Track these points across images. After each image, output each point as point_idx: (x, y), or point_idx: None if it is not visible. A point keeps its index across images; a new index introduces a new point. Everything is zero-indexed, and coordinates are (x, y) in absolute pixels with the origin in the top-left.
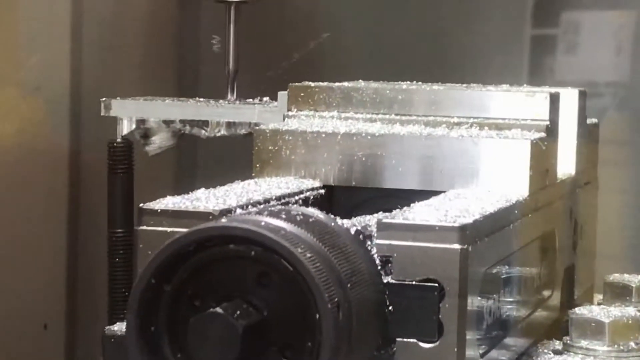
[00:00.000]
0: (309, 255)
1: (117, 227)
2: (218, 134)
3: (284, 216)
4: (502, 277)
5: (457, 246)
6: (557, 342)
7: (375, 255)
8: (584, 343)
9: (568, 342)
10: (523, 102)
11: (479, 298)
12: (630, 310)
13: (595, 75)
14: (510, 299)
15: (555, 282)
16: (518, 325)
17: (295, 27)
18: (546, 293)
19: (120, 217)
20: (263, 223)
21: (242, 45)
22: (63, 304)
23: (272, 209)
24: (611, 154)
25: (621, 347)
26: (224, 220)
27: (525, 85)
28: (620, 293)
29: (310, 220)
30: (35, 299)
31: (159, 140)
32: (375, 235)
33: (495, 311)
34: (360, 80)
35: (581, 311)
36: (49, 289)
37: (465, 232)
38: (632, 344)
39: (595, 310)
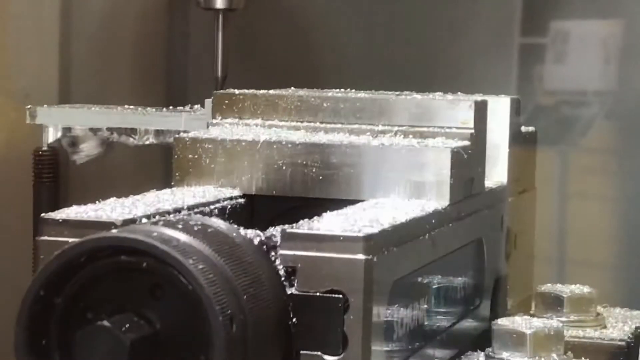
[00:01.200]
0: (201, 266)
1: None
2: (147, 142)
3: (180, 226)
4: (419, 287)
5: (361, 256)
6: (481, 354)
7: (280, 266)
8: (505, 355)
9: (490, 353)
10: (448, 110)
11: (389, 309)
12: (553, 322)
13: (583, 84)
14: (430, 309)
15: (484, 292)
16: (438, 335)
17: (284, 34)
18: (473, 303)
19: None
20: (155, 233)
21: (231, 52)
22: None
23: (169, 219)
24: (599, 162)
25: (543, 359)
26: (114, 230)
27: (459, 93)
28: (551, 303)
29: (209, 230)
30: None
31: (87, 149)
32: (279, 245)
33: (409, 322)
34: (291, 88)
35: (503, 322)
36: None
37: (370, 242)
38: (554, 355)
39: (517, 321)
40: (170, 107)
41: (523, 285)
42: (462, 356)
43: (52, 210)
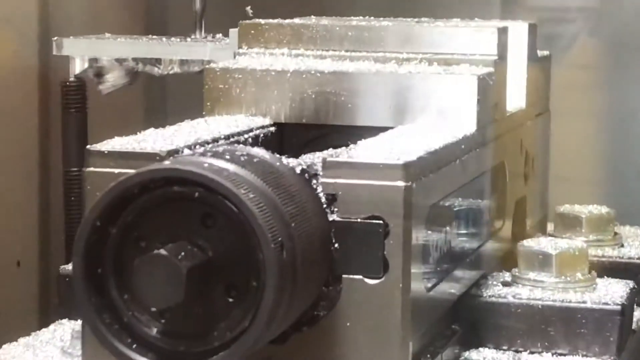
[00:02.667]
0: (252, 195)
1: (72, 166)
2: (171, 72)
3: (227, 157)
4: (450, 211)
5: (400, 183)
6: (507, 274)
7: (321, 194)
8: (531, 275)
9: (516, 273)
10: (471, 38)
11: (425, 233)
12: (578, 242)
13: (566, 1)
14: (460, 232)
15: (506, 214)
16: (467, 257)
17: None
18: (497, 225)
19: (74, 156)
20: (206, 164)
21: None
22: (36, 241)
23: (217, 149)
24: (583, 78)
25: (568, 279)
26: (167, 162)
27: (476, 19)
28: (570, 224)
29: (255, 160)
30: (7, 237)
31: (113, 79)
32: (321, 173)
33: (443, 245)
34: (312, 16)
35: (529, 243)
36: (22, 226)
37: (409, 169)
38: (579, 275)
39: (543, 242)
40: (194, 37)
41: (540, 206)
42: (489, 276)
43: (81, 139)
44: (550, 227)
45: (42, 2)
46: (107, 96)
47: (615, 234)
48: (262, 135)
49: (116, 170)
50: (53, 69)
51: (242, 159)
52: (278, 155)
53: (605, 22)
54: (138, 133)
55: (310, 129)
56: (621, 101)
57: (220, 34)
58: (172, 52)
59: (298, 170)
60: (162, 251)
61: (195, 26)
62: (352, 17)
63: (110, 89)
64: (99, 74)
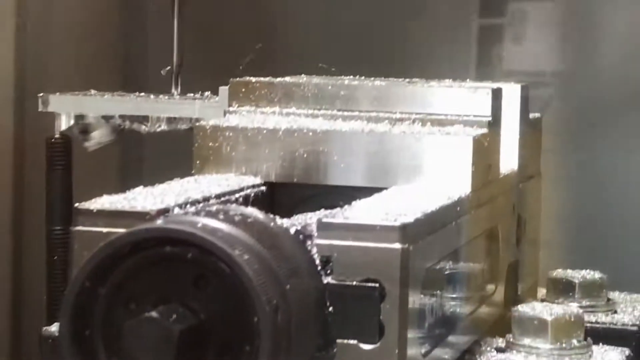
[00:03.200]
0: (246, 257)
1: (56, 225)
2: (159, 129)
3: (221, 217)
4: (445, 274)
5: (398, 245)
6: (500, 340)
7: (316, 256)
8: (526, 341)
9: (511, 340)
10: (465, 98)
11: (421, 297)
12: (573, 308)
13: (541, 65)
14: (454, 296)
15: (499, 278)
16: (461, 322)
17: (241, 19)
18: (490, 289)
19: (58, 214)
20: (200, 224)
21: (189, 38)
22: (8, 301)
23: (210, 209)
24: (556, 143)
25: (564, 345)
26: (159, 221)
27: (468, 80)
28: (563, 289)
29: (249, 220)
30: None
31: (98, 136)
32: (316, 235)
33: (438, 309)
34: (303, 75)
35: (524, 308)
36: None
37: (406, 231)
38: (574, 341)
39: (538, 308)
40: (177, 93)
41: (531, 271)
42: (482, 342)
43: (66, 197)
44: (540, 292)
45: (19, 59)
46: (91, 153)
47: (609, 299)
48: (252, 194)
49: (105, 230)
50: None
51: (236, 218)
52: (272, 216)
53: (579, 85)
54: (127, 191)
55: (302, 189)
56: (598, 164)
57: (209, 92)
58: (160, 109)
59: (292, 231)
60: (153, 313)
61: (172, 81)
62: (343, 77)
63: (96, 146)
64: (85, 131)
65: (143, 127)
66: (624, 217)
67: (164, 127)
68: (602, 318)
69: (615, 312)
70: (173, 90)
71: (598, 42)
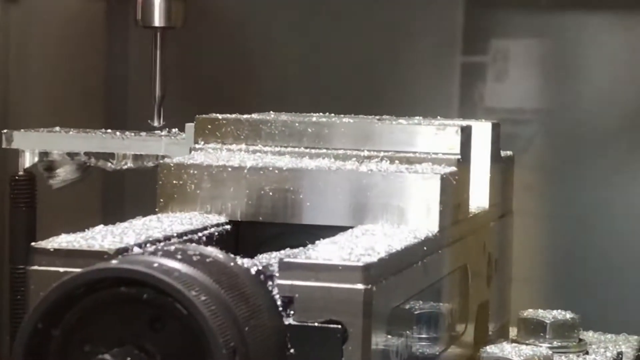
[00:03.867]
0: (203, 298)
1: (19, 264)
2: (125, 167)
3: (179, 256)
4: (412, 314)
5: (360, 286)
6: None
7: (277, 296)
8: None
9: None
10: (434, 136)
11: (386, 337)
12: (542, 349)
13: (523, 103)
14: (421, 337)
15: (469, 318)
16: None
17: (223, 53)
18: (459, 329)
19: (21, 253)
20: (156, 264)
21: (171, 71)
22: None
23: (168, 248)
24: (539, 180)
25: None
26: (114, 261)
27: (438, 117)
28: (534, 329)
29: (208, 260)
30: None
31: (64, 173)
32: (277, 275)
33: (404, 350)
34: (271, 112)
35: (492, 349)
36: None
37: (369, 272)
38: None
39: (507, 349)
40: (148, 132)
41: (502, 310)
42: None
43: (29, 236)
44: (513, 331)
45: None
46: (57, 191)
47: (580, 340)
48: (216, 233)
49: (62, 269)
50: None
51: (194, 258)
52: (232, 256)
53: (560, 123)
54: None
55: (267, 228)
56: (578, 201)
57: (176, 129)
58: (126, 146)
59: (253, 271)
60: (107, 356)
61: (154, 115)
62: (312, 114)
63: (60, 184)
64: (50, 168)
65: (109, 164)
66: (604, 255)
67: (130, 164)
68: (573, 359)
69: (587, 352)
70: (155, 122)
71: (579, 80)
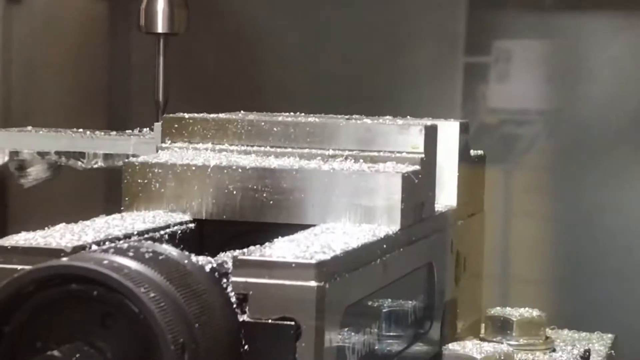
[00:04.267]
0: (152, 294)
1: None
2: (95, 166)
3: (131, 254)
4: (371, 312)
5: (313, 283)
6: None
7: (232, 294)
8: None
9: None
10: (398, 135)
11: (341, 335)
12: (503, 347)
13: (526, 103)
14: (382, 334)
15: (435, 315)
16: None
17: (226, 58)
18: (425, 327)
19: None
20: (106, 261)
21: (173, 76)
22: None
23: (120, 246)
24: (542, 181)
25: None
26: (64, 258)
27: (408, 117)
28: (501, 327)
29: (160, 258)
30: None
31: (35, 172)
32: (231, 272)
33: (361, 348)
34: (240, 111)
35: (454, 347)
36: None
37: (322, 269)
38: None
39: (468, 346)
40: (119, 131)
41: (472, 308)
42: None
43: (1, 235)
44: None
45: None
46: (29, 190)
47: (547, 337)
48: (179, 232)
49: (19, 267)
50: None
51: (146, 256)
52: (187, 253)
53: (562, 124)
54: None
55: (232, 226)
56: (582, 201)
57: (147, 129)
58: (96, 145)
59: (208, 268)
60: (56, 352)
61: (157, 120)
62: (281, 113)
63: (32, 182)
64: (21, 167)
65: (79, 163)
66: (604, 255)
67: (100, 163)
68: (540, 357)
69: (554, 350)
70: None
71: (581, 80)
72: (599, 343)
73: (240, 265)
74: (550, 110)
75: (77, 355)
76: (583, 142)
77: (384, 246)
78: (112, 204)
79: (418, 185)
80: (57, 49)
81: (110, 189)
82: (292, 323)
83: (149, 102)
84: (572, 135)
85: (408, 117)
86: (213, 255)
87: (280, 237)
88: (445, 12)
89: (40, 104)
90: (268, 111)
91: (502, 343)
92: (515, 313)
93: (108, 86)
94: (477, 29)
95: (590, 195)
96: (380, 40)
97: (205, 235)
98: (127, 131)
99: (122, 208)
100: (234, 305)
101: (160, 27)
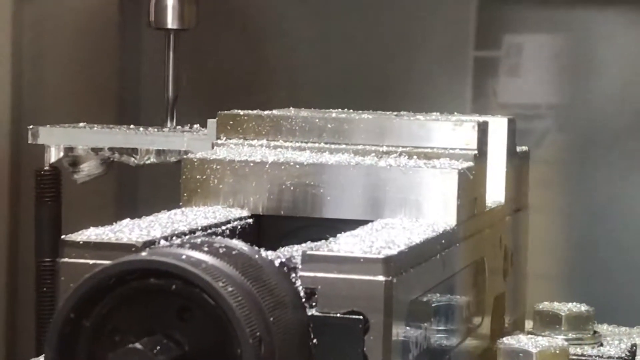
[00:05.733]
0: (230, 289)
1: (45, 257)
2: (147, 162)
3: (206, 249)
4: (430, 306)
5: (381, 278)
6: None
7: (300, 288)
8: None
9: None
10: (452, 132)
11: (405, 329)
12: (558, 340)
13: (537, 98)
14: (439, 328)
15: (485, 310)
16: (447, 354)
17: (236, 54)
18: (476, 322)
19: (47, 246)
20: (184, 256)
21: (183, 71)
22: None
23: (195, 241)
24: (553, 175)
25: None
26: (144, 253)
27: (455, 113)
28: (549, 321)
29: (234, 252)
30: None
31: (88, 168)
32: (300, 267)
33: (422, 341)
34: (291, 108)
35: (509, 341)
36: None
37: (390, 264)
38: None
39: (523, 340)
40: (171, 127)
41: (518, 304)
42: None
43: (54, 229)
44: (528, 324)
45: (15, 90)
46: (81, 186)
47: (595, 332)
48: (239, 227)
49: (91, 262)
50: (26, 158)
51: (220, 251)
52: (257, 248)
53: (574, 118)
54: (114, 223)
55: (288, 221)
56: (590, 197)
57: (198, 125)
58: (149, 142)
59: (277, 263)
60: (137, 345)
61: (167, 115)
62: (331, 110)
63: (85, 178)
64: (74, 163)
65: (132, 159)
66: (619, 249)
67: (153, 159)
68: (589, 351)
69: (602, 344)
70: (168, 123)
71: (593, 75)
72: None
73: (309, 260)
74: (561, 105)
75: (158, 348)
76: (594, 137)
77: (443, 241)
78: (163, 200)
79: (472, 182)
80: (67, 45)
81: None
82: (361, 317)
83: (159, 98)
84: (583, 130)
85: (455, 113)
86: (271, 250)
87: (340, 233)
88: (455, 6)
89: (50, 100)
90: (279, 106)
91: (551, 337)
92: (563, 308)
93: (118, 82)
94: (487, 23)
95: (601, 189)
96: (391, 35)
97: (262, 230)
98: (178, 127)
99: (180, 203)
100: (303, 300)
101: (170, 22)
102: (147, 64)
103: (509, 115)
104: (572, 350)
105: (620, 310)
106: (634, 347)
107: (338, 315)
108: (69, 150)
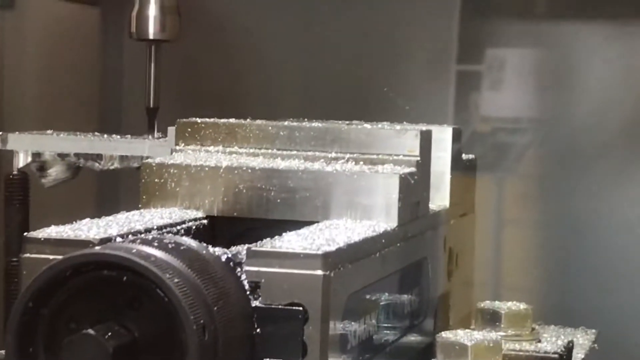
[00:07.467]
0: (176, 280)
1: (13, 256)
2: (112, 167)
3: (156, 244)
4: (370, 301)
5: (319, 272)
6: None
7: (245, 281)
8: None
9: None
10: (396, 139)
11: (344, 321)
12: (492, 335)
13: (518, 112)
14: (379, 323)
15: (429, 308)
16: (387, 348)
17: (217, 66)
18: (419, 318)
19: (16, 247)
20: (135, 250)
21: (164, 83)
22: None
23: (146, 237)
24: (534, 188)
25: None
26: (98, 247)
27: (404, 122)
28: (490, 319)
29: (182, 248)
30: None
31: (55, 173)
32: (245, 262)
33: (362, 333)
34: (249, 119)
35: (447, 334)
36: None
37: (328, 259)
38: None
39: (460, 334)
40: (152, 137)
41: (464, 302)
42: None
43: (23, 231)
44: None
45: None
46: (49, 189)
47: (533, 329)
48: (194, 227)
49: (51, 257)
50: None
51: (169, 246)
52: (205, 244)
53: (555, 132)
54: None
55: (241, 222)
56: (572, 210)
57: (160, 133)
58: (113, 148)
59: (224, 258)
60: (90, 331)
61: (148, 124)
62: (286, 119)
63: (52, 182)
64: (42, 168)
65: (97, 164)
66: (598, 263)
67: (116, 165)
68: (526, 346)
69: (540, 341)
70: (149, 133)
71: (574, 89)
72: (583, 337)
73: (253, 256)
74: (542, 118)
75: (109, 334)
76: (574, 150)
77: (383, 241)
78: (126, 203)
79: (414, 186)
80: (49, 54)
81: (123, 189)
82: (300, 308)
83: (140, 108)
84: (564, 143)
85: (404, 122)
86: (225, 248)
87: (287, 232)
88: (438, 20)
89: (31, 109)
90: (260, 117)
91: (491, 333)
92: (503, 306)
93: (99, 92)
94: (469, 37)
95: (581, 203)
96: (374, 47)
97: (216, 230)
98: (154, 135)
99: (139, 205)
100: (247, 292)
101: (152, 33)
102: (128, 74)
103: (490, 128)
104: (510, 345)
105: (586, 315)
106: (570, 344)
107: (280, 306)
108: (36, 155)
